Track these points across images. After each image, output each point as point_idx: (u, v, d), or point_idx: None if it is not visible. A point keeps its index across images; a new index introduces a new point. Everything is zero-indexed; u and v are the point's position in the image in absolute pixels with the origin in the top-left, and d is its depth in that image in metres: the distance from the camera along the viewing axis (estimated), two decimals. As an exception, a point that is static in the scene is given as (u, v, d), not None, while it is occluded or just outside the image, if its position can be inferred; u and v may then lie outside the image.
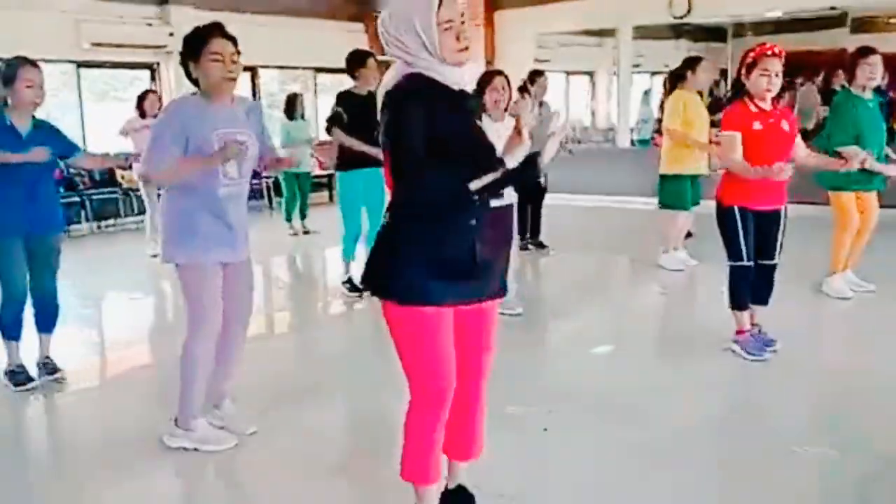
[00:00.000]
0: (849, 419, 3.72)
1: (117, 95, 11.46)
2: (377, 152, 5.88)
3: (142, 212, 10.02)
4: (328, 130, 6.11)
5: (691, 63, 6.83)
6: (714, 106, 7.52)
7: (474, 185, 2.32)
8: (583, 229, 9.41)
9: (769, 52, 4.17)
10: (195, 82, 3.33)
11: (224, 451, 3.45)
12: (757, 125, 4.24)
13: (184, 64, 3.32)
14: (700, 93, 6.85)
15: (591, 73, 13.99)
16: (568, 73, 13.80)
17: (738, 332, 4.51)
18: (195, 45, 3.26)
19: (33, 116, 4.27)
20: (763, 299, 4.51)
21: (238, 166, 3.37)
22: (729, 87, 8.80)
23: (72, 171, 9.15)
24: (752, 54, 4.23)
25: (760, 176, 4.08)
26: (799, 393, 4.10)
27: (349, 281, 6.32)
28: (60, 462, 3.66)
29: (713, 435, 3.58)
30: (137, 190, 9.99)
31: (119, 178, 9.91)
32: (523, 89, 7.66)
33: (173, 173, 3.31)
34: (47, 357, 4.48)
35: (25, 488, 3.32)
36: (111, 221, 10.32)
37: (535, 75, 7.97)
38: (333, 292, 6.70)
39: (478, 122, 2.52)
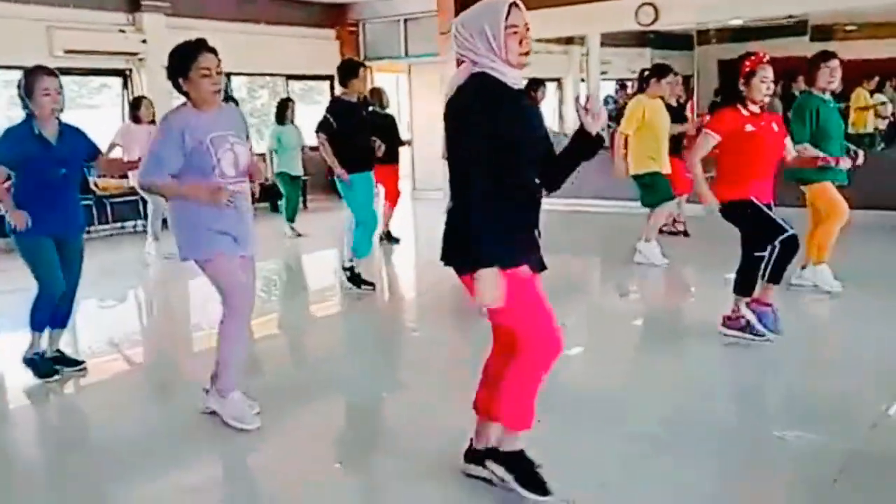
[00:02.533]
0: (828, 406, 3.90)
1: (83, 102, 11.42)
2: (341, 172, 6.08)
3: (118, 220, 10.04)
4: (317, 135, 6.27)
5: (661, 71, 7.12)
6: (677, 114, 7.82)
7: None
8: (555, 233, 9.53)
9: (766, 61, 4.48)
10: (186, 94, 3.56)
11: (247, 429, 3.67)
12: (749, 127, 4.52)
13: (172, 79, 3.54)
14: (661, 97, 7.11)
15: (558, 80, 14.22)
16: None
17: (737, 318, 4.71)
18: (184, 62, 3.50)
19: (59, 121, 4.41)
20: (778, 278, 4.69)
21: (234, 165, 3.61)
22: (714, 94, 9.04)
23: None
24: (748, 64, 4.49)
25: (699, 185, 4.58)
26: (782, 381, 4.30)
27: (357, 276, 6.44)
28: (71, 459, 3.72)
29: (700, 426, 3.70)
30: (112, 197, 10.01)
31: (92, 186, 9.88)
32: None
33: (172, 190, 3.54)
34: (58, 350, 4.70)
35: (33, 485, 3.41)
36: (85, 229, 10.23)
37: (536, 84, 8.19)
38: (330, 291, 6.84)
39: (535, 117, 2.86)
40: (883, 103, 10.52)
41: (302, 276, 8.48)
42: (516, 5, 2.64)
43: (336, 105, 6.34)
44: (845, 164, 5.31)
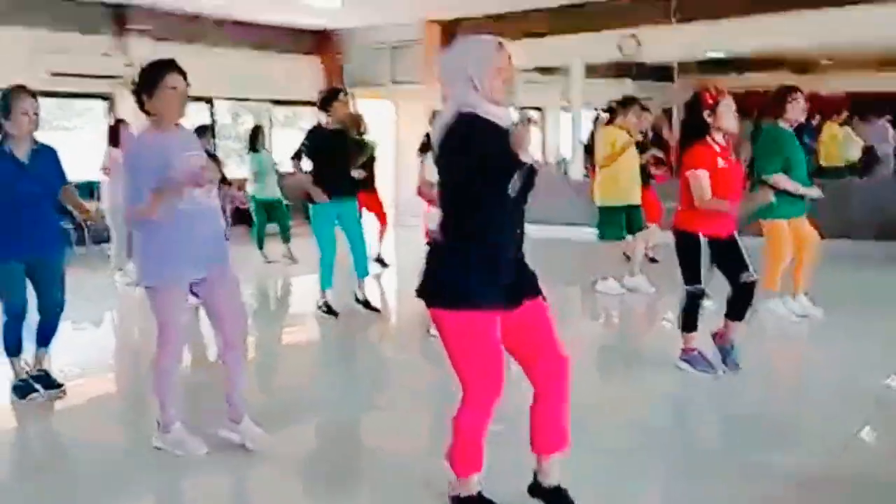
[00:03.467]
0: (798, 429, 3.96)
1: (60, 125, 11.37)
2: (321, 196, 6.10)
3: (97, 242, 9.94)
4: (293, 162, 6.31)
5: (627, 103, 7.24)
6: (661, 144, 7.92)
7: (511, 189, 2.63)
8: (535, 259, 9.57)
9: (726, 93, 4.52)
10: (147, 112, 3.62)
11: (195, 456, 3.68)
12: (721, 163, 4.54)
13: (137, 95, 3.60)
14: (628, 130, 7.18)
15: (540, 109, 14.33)
16: (519, 108, 14.07)
17: (687, 351, 4.75)
18: (153, 79, 3.56)
19: (35, 142, 4.40)
20: (740, 315, 4.73)
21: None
22: (676, 128, 9.16)
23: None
24: (709, 97, 4.51)
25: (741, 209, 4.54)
26: (745, 404, 4.35)
27: (325, 305, 6.51)
28: (44, 482, 3.69)
29: (671, 449, 3.75)
30: (91, 220, 9.91)
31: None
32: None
33: (149, 210, 3.50)
34: (41, 370, 4.67)
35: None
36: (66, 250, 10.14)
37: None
38: (310, 316, 6.82)
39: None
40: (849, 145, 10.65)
41: (285, 301, 8.47)
42: (501, 44, 2.68)
43: (314, 133, 6.40)
44: (813, 192, 5.43)
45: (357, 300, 6.64)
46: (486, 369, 2.80)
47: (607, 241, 7.19)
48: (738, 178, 4.69)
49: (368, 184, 8.75)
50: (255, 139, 9.83)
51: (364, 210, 8.64)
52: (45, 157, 4.47)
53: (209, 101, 12.41)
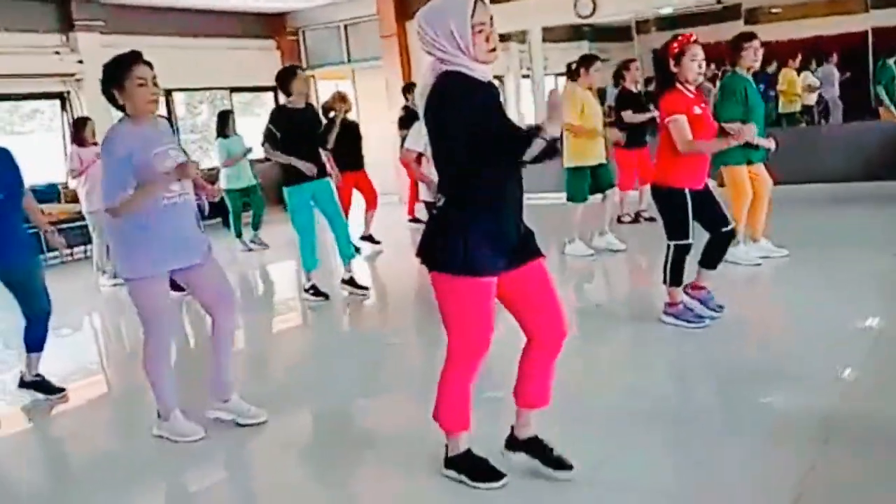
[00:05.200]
0: (780, 372, 4.01)
1: (12, 129, 11.15)
2: (310, 167, 6.03)
3: (68, 246, 9.77)
4: (263, 148, 6.20)
5: (586, 61, 7.18)
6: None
7: (528, 154, 2.60)
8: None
9: (693, 40, 4.52)
10: (121, 108, 3.58)
11: (197, 441, 3.74)
12: (696, 109, 4.58)
13: (106, 92, 3.53)
14: (591, 88, 7.17)
15: (500, 77, 14.28)
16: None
17: (673, 305, 4.79)
18: (119, 73, 3.51)
19: None
20: (715, 264, 4.83)
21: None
22: (644, 82, 9.21)
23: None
24: (675, 45, 4.54)
25: (733, 140, 4.52)
26: (732, 351, 4.41)
27: (312, 287, 6.42)
28: (41, 486, 3.73)
29: (666, 405, 3.75)
30: (58, 223, 9.73)
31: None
32: None
33: (135, 204, 3.46)
34: (38, 375, 4.66)
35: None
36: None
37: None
38: (295, 301, 6.79)
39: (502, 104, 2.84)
40: (811, 86, 10.79)
41: (267, 288, 8.42)
42: (481, 1, 2.63)
43: (278, 114, 6.27)
44: (769, 143, 5.52)
45: (343, 281, 6.53)
46: (476, 330, 2.84)
47: (576, 204, 7.16)
48: (711, 125, 4.73)
49: (357, 164, 8.66)
50: (225, 124, 9.64)
51: (355, 190, 8.69)
52: (3, 161, 4.40)
53: (167, 93, 12.23)
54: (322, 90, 13.12)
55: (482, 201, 2.74)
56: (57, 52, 10.43)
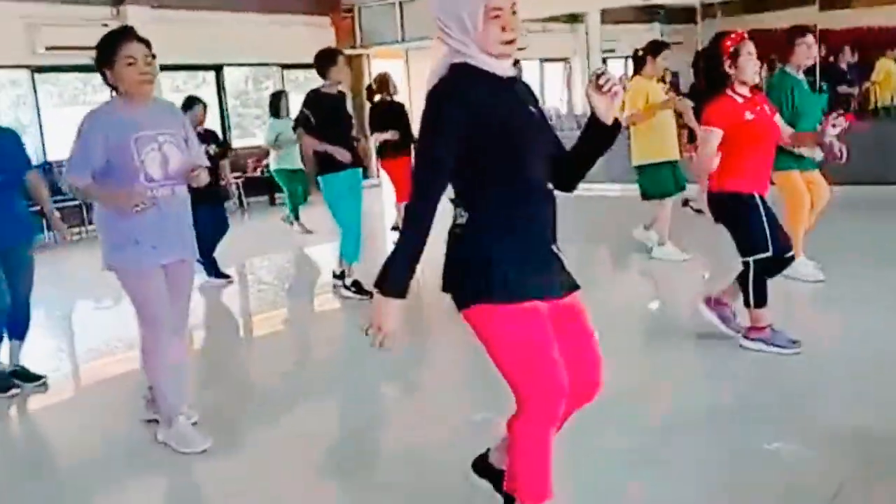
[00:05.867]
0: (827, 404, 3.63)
1: (87, 100, 11.11)
2: (345, 154, 5.72)
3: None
4: (295, 132, 5.94)
5: (655, 48, 6.59)
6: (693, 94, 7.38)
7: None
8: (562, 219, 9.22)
9: (747, 37, 4.07)
10: (114, 88, 3.39)
11: (196, 453, 3.47)
12: (749, 115, 4.09)
13: (100, 71, 3.36)
14: (661, 79, 6.65)
15: (565, 60, 13.85)
16: (542, 61, 13.68)
17: (758, 329, 4.22)
18: (108, 52, 3.31)
19: None
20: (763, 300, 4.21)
21: (162, 167, 3.38)
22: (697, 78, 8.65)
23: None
24: (728, 42, 4.07)
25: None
26: (786, 382, 3.93)
27: (355, 284, 6.03)
28: (47, 469, 3.67)
29: (699, 434, 3.42)
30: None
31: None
32: None
33: (90, 194, 3.39)
34: (17, 364, 4.49)
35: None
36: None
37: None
38: (326, 291, 6.45)
39: (531, 107, 2.34)
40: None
41: (304, 274, 8.17)
42: None
43: (313, 98, 5.86)
44: (818, 155, 4.90)
45: (344, 285, 6.08)
46: (541, 368, 2.28)
47: (654, 199, 6.60)
48: (771, 130, 4.21)
49: (399, 150, 7.97)
50: (278, 104, 9.52)
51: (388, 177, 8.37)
52: (6, 141, 4.30)
53: (218, 68, 12.12)
54: (375, 70, 12.88)
55: (503, 219, 2.27)
56: (105, 25, 10.31)
